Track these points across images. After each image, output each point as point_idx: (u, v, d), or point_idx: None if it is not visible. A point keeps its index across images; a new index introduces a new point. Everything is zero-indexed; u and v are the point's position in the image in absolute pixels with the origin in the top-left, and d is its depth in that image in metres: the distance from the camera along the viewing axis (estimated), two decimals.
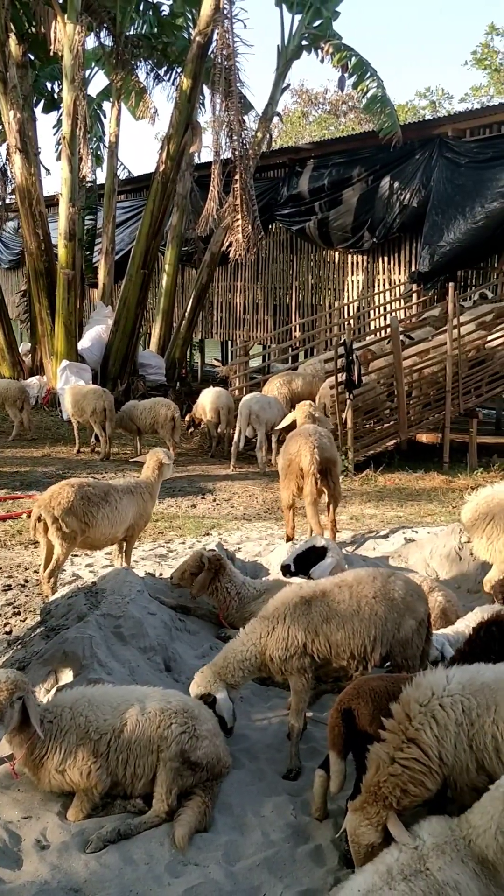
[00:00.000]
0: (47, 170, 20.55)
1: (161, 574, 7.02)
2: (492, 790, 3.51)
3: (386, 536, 8.85)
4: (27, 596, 7.76)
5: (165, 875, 3.99)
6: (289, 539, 8.25)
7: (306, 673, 5.03)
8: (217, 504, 12.69)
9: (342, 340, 14.46)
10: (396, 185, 19.22)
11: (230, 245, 18.14)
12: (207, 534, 10.79)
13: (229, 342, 27.79)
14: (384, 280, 20.58)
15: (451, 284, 15.61)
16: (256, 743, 5.21)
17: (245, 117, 18.39)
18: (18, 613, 7.19)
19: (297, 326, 21.80)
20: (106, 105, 24.64)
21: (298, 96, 45.78)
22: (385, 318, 19.37)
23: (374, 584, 5.14)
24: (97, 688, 4.74)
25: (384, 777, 3.81)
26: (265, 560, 7.37)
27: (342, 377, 14.49)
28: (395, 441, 15.13)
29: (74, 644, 5.35)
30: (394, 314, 18.20)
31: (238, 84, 17.37)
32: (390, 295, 20.06)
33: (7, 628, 6.91)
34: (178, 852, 4.14)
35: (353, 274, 21.57)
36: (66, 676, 5.24)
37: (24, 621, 7.02)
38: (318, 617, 5.00)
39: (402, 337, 16.75)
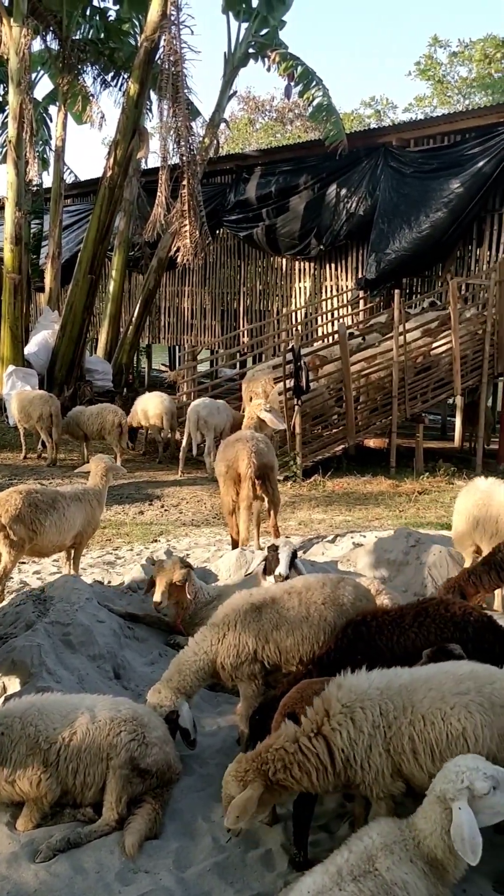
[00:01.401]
0: None
1: (109, 581, 6.99)
2: (429, 795, 3.58)
3: (334, 541, 8.93)
4: None
5: (116, 883, 3.98)
6: (235, 544, 8.26)
7: (256, 679, 5.06)
8: (165, 510, 12.68)
9: (290, 346, 14.56)
10: (343, 192, 19.40)
11: (178, 250, 18.14)
12: (155, 540, 10.77)
13: (177, 347, 27.76)
14: (331, 286, 20.76)
15: (396, 291, 15.82)
16: (206, 748, 5.22)
17: (192, 123, 18.43)
18: None
19: (245, 332, 21.88)
20: (52, 109, 24.49)
21: (245, 103, 45.97)
22: (332, 325, 19.54)
23: (324, 590, 5.19)
24: (46, 697, 4.70)
25: (277, 746, 3.86)
26: (214, 566, 7.38)
27: (290, 383, 14.58)
28: (343, 446, 15.27)
29: (23, 652, 5.31)
30: (341, 320, 18.36)
31: (185, 90, 17.39)
32: (338, 301, 20.24)
33: None
34: (128, 860, 4.13)
35: (300, 280, 21.72)
36: (15, 685, 5.20)
37: None
38: (268, 623, 5.04)
39: (358, 339, 16.94)
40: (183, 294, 25.19)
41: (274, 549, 6.21)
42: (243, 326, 22.68)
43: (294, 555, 6.22)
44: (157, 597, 5.89)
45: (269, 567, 6.18)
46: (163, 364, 30.11)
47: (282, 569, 6.04)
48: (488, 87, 35.01)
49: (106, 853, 4.14)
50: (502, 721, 3.87)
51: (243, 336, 22.05)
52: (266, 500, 8.21)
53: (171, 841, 4.32)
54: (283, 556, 6.10)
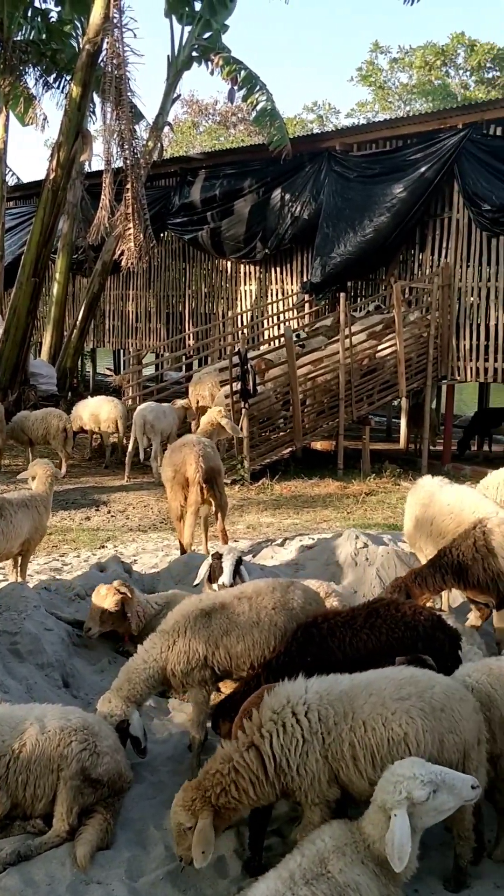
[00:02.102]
0: None
1: (57, 589, 6.90)
2: (373, 802, 3.61)
3: (283, 544, 8.95)
4: None
5: (68, 895, 3.93)
6: (183, 549, 8.23)
7: (207, 685, 5.05)
8: (112, 516, 12.59)
9: (237, 350, 14.57)
10: (287, 197, 19.47)
11: (122, 254, 18.03)
12: (102, 546, 10.68)
13: (122, 351, 27.58)
14: (277, 290, 20.82)
15: (342, 295, 15.93)
16: (157, 756, 5.19)
17: (136, 126, 18.36)
18: None
19: (191, 335, 21.83)
20: None
21: (189, 106, 45.95)
22: (278, 328, 19.60)
23: (274, 595, 5.20)
24: None
25: (214, 770, 3.88)
26: (162, 572, 7.34)
27: (237, 386, 14.59)
28: (290, 449, 15.33)
29: None
30: (287, 323, 18.44)
31: (129, 93, 17.30)
32: (283, 305, 20.31)
33: None
34: (80, 871, 4.09)
35: (245, 283, 21.74)
36: None
37: None
38: (218, 629, 5.03)
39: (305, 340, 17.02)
40: (128, 297, 25.03)
41: (218, 556, 6.21)
42: (189, 329, 22.63)
43: (239, 562, 6.21)
44: (87, 622, 5.86)
45: (213, 575, 6.18)
46: (107, 368, 29.89)
47: (225, 578, 6.04)
48: (428, 93, 35.55)
49: (57, 865, 4.09)
50: (442, 725, 3.91)
51: (189, 339, 22.00)
52: (213, 504, 8.20)
53: (123, 850, 4.29)
54: (227, 565, 6.09)
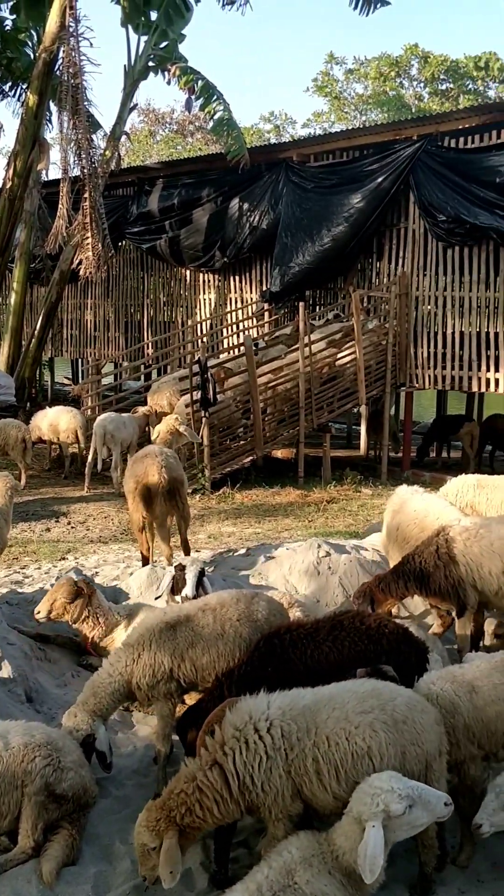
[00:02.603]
0: None
1: (18, 602, 6.84)
2: (347, 814, 3.63)
3: (245, 554, 8.96)
4: None
5: None
6: (145, 561, 8.21)
7: (173, 697, 5.04)
8: (72, 527, 12.49)
9: (197, 359, 14.57)
10: (245, 206, 19.55)
11: (80, 263, 17.95)
12: (63, 558, 10.59)
13: (80, 360, 27.43)
14: (236, 298, 20.87)
15: (301, 304, 16.02)
16: (122, 769, 5.17)
17: (93, 136, 18.28)
18: None
19: (150, 344, 21.77)
20: None
21: (146, 115, 45.93)
22: (238, 337, 19.64)
23: (238, 606, 5.22)
24: None
25: (178, 790, 3.87)
26: (124, 584, 7.31)
27: (197, 395, 14.59)
28: (251, 457, 15.35)
29: None
30: (247, 332, 18.49)
31: (85, 102, 17.25)
32: (242, 313, 20.36)
33: None
34: (46, 888, 4.06)
35: (204, 292, 21.77)
36: None
37: None
38: (183, 642, 5.03)
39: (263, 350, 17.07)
40: (86, 306, 24.92)
41: (181, 568, 6.21)
42: (148, 338, 22.58)
43: (201, 573, 6.22)
44: (38, 606, 5.84)
45: (176, 587, 6.18)
46: (66, 377, 29.71)
47: (188, 590, 6.04)
48: (383, 104, 35.95)
49: (23, 882, 4.06)
50: (405, 738, 3.95)
51: (148, 348, 21.96)
52: (176, 515, 8.19)
53: (90, 866, 4.27)
54: (190, 577, 6.10)
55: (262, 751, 3.84)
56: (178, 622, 5.09)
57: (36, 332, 21.35)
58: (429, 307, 17.18)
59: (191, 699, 5.37)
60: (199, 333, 21.01)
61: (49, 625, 6.42)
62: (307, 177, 18.47)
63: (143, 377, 20.52)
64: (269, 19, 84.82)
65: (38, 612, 5.98)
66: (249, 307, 20.26)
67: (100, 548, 11.29)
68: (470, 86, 37.32)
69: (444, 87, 37.54)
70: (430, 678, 4.58)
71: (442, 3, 79.42)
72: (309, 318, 16.50)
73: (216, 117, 19.53)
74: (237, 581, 7.49)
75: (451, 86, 37.42)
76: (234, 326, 20.29)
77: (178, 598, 6.12)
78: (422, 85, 37.92)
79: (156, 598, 6.24)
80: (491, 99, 35.74)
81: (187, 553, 8.43)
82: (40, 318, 21.38)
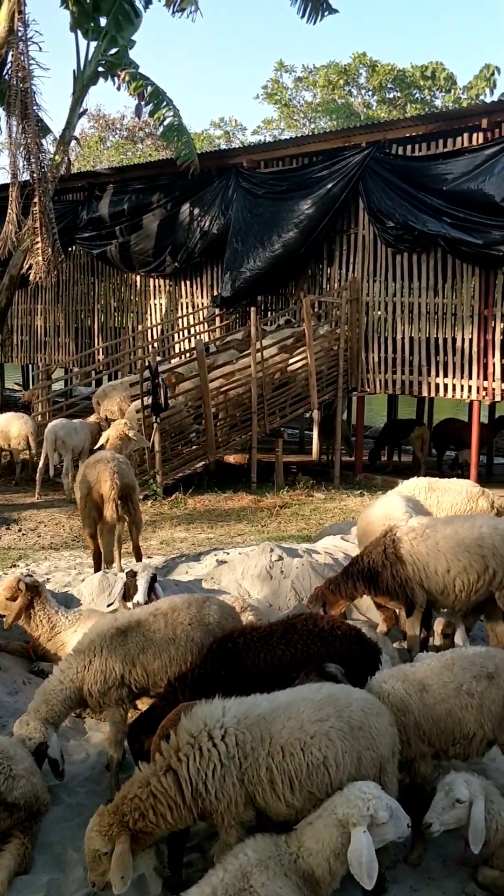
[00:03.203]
0: None
1: None
2: (324, 816, 3.65)
3: (198, 559, 8.96)
4: None
5: None
6: (97, 568, 8.16)
7: (124, 704, 5.02)
8: (23, 534, 12.37)
9: (147, 363, 14.52)
10: (196, 211, 19.56)
11: (30, 268, 17.77)
12: (14, 565, 10.47)
13: (30, 366, 27.16)
14: (187, 304, 20.86)
15: (252, 309, 16.07)
16: (75, 777, 5.14)
17: (43, 140, 18.13)
18: None
19: (101, 350, 21.66)
20: None
21: (96, 121, 45.68)
22: (189, 342, 19.62)
23: (189, 611, 5.22)
24: None
25: (131, 795, 3.87)
26: (76, 590, 7.26)
27: (148, 400, 14.54)
28: (203, 463, 15.34)
29: None
30: (198, 337, 18.48)
31: (35, 107, 17.09)
32: (194, 318, 20.36)
33: None
34: None
35: (155, 297, 21.72)
36: None
37: None
38: (134, 647, 5.02)
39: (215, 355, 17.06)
40: (36, 312, 24.68)
41: (132, 574, 6.20)
42: (98, 344, 22.46)
43: (153, 579, 6.21)
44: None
45: (128, 593, 6.17)
46: (15, 383, 29.39)
47: (140, 596, 6.04)
48: (332, 112, 36.21)
49: None
50: (361, 744, 3.97)
51: (98, 353, 21.84)
52: (128, 521, 8.16)
53: (42, 874, 4.23)
54: (142, 583, 6.10)
55: (216, 759, 3.83)
56: (129, 627, 5.08)
57: None
58: (379, 313, 17.34)
59: (143, 704, 5.35)
60: (150, 339, 20.94)
61: (1, 633, 6.35)
62: (258, 183, 18.53)
63: (94, 383, 20.39)
64: (219, 26, 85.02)
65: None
66: (201, 312, 20.27)
67: (51, 554, 11.19)
68: (417, 95, 37.80)
69: (391, 95, 37.96)
70: (381, 677, 4.63)
71: (389, 12, 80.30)
72: (260, 323, 16.55)
73: (166, 123, 19.48)
74: (190, 586, 7.48)
75: (399, 94, 37.85)
76: (186, 331, 20.27)
77: (130, 604, 6.10)
78: (370, 93, 38.30)
79: (108, 606, 6.21)
80: (437, 108, 36.25)
81: (139, 559, 8.41)
82: None
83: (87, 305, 23.39)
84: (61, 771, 4.89)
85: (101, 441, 10.07)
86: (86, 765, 5.27)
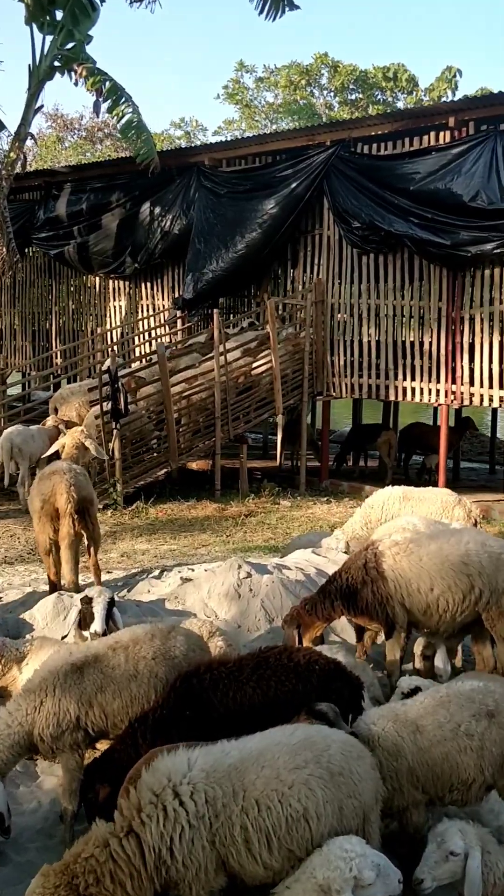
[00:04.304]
0: None
1: None
2: (302, 881, 3.20)
3: (160, 576, 8.43)
4: None
5: None
6: (52, 587, 7.60)
7: (80, 748, 4.50)
8: None
9: (106, 367, 13.95)
10: (157, 211, 19.02)
11: None
12: None
13: None
14: (147, 306, 20.30)
15: (215, 311, 15.59)
16: (24, 830, 4.60)
17: None
18: None
19: (59, 353, 20.99)
20: None
21: (54, 121, 44.89)
22: (150, 345, 19.08)
23: (153, 643, 4.71)
24: None
25: (87, 854, 3.35)
26: (28, 614, 6.69)
27: (108, 406, 13.98)
28: (165, 470, 14.82)
29: None
30: (160, 340, 17.96)
31: None
32: (154, 321, 19.80)
33: None
34: None
35: (115, 299, 21.12)
36: None
37: None
38: (91, 685, 4.50)
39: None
40: None
41: (87, 601, 5.65)
42: (56, 347, 21.81)
43: (111, 604, 5.67)
44: None
45: (84, 621, 5.63)
46: None
47: (97, 625, 5.50)
48: (294, 112, 35.86)
49: None
50: (342, 791, 3.52)
51: (56, 357, 21.20)
52: (86, 536, 7.61)
53: None
54: (99, 609, 5.56)
55: (183, 820, 3.34)
56: (86, 663, 4.56)
57: None
58: (345, 315, 16.94)
59: (102, 745, 4.84)
60: (109, 342, 20.35)
61: None
62: (220, 182, 18.05)
63: (52, 387, 19.71)
64: (179, 24, 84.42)
65: None
66: (161, 315, 19.72)
67: (4, 569, 10.62)
68: (378, 96, 37.56)
69: (353, 97, 37.66)
70: (370, 717, 4.17)
71: (350, 13, 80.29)
72: (223, 325, 16.05)
73: (125, 120, 18.88)
74: (152, 607, 6.97)
75: (361, 96, 37.57)
76: (146, 334, 19.72)
77: (86, 633, 5.57)
78: (332, 94, 37.96)
79: (63, 638, 5.66)
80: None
81: (98, 577, 7.86)
82: None
83: (45, 307, 22.73)
84: (7, 827, 4.34)
85: (55, 448, 9.50)
86: (37, 815, 4.73)
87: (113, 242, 19.70)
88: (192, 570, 8.29)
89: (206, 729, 4.28)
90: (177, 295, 19.34)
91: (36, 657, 5.51)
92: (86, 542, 7.64)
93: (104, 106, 18.98)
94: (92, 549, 7.78)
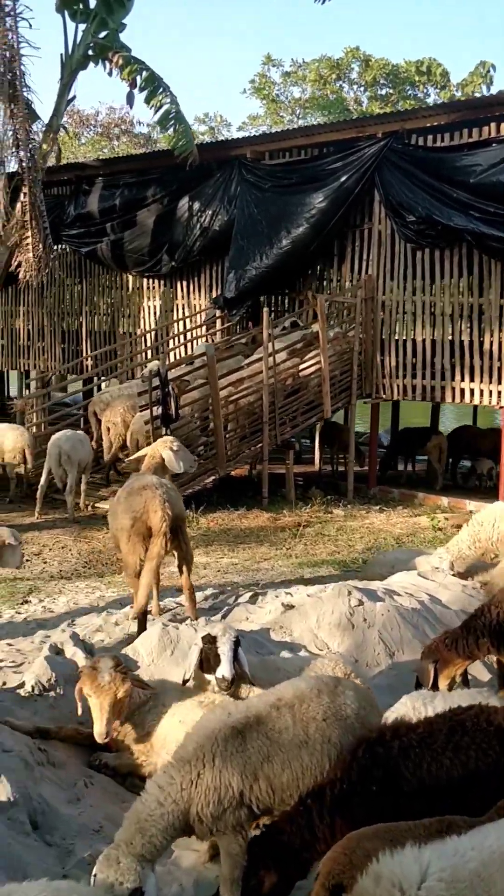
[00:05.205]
0: None
1: (5, 682, 5.42)
2: None
3: (254, 601, 7.68)
4: None
5: None
6: (143, 614, 6.87)
7: (243, 830, 3.77)
8: (27, 560, 11.00)
9: (157, 370, 13.21)
10: (196, 206, 18.28)
11: (18, 266, 16.39)
12: (26, 601, 9.22)
13: (7, 372, 25.68)
14: (183, 305, 19.55)
15: (265, 310, 14.91)
16: None
17: (32, 126, 16.76)
18: None
19: (96, 355, 20.11)
20: None
21: (70, 117, 44.17)
22: (187, 347, 18.35)
23: (321, 701, 3.97)
24: None
25: None
26: (131, 649, 5.87)
27: (157, 411, 13.26)
28: (213, 478, 14.10)
29: None
30: (204, 340, 17.23)
31: (24, 89, 15.78)
32: (191, 322, 19.04)
33: None
34: None
35: (149, 299, 20.36)
36: None
37: None
38: (256, 754, 3.76)
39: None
40: (18, 314, 23.21)
41: (210, 639, 4.89)
42: (87, 348, 21.06)
43: (237, 644, 4.92)
44: (100, 728, 4.40)
45: (206, 664, 4.89)
46: None
47: (224, 670, 4.71)
48: (324, 107, 35.03)
49: None
50: None
51: (87, 360, 20.45)
52: (178, 556, 6.90)
53: None
54: (225, 651, 4.78)
55: None
56: (247, 726, 3.83)
57: None
58: (396, 313, 16.21)
59: None
60: (145, 344, 19.61)
61: (46, 711, 5.05)
62: (264, 175, 17.31)
63: (89, 391, 18.90)
64: (204, 19, 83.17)
65: (105, 735, 4.44)
66: (198, 315, 18.96)
67: (64, 586, 9.92)
68: (410, 91, 36.74)
69: (383, 91, 36.85)
70: None
71: (381, 9, 79.15)
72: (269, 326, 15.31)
73: (162, 110, 18.16)
74: (256, 638, 6.23)
75: (391, 91, 36.77)
76: (183, 336, 18.97)
77: (209, 677, 4.85)
78: (362, 89, 37.12)
79: (184, 682, 4.91)
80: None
81: (193, 601, 7.13)
82: None
83: (75, 307, 21.98)
84: None
85: (141, 454, 8.73)
86: None
87: (149, 240, 18.96)
88: (291, 594, 7.54)
89: (394, 807, 3.58)
90: (214, 294, 18.63)
91: (157, 701, 4.81)
92: (177, 563, 6.91)
93: (141, 97, 18.26)
94: (185, 570, 7.05)
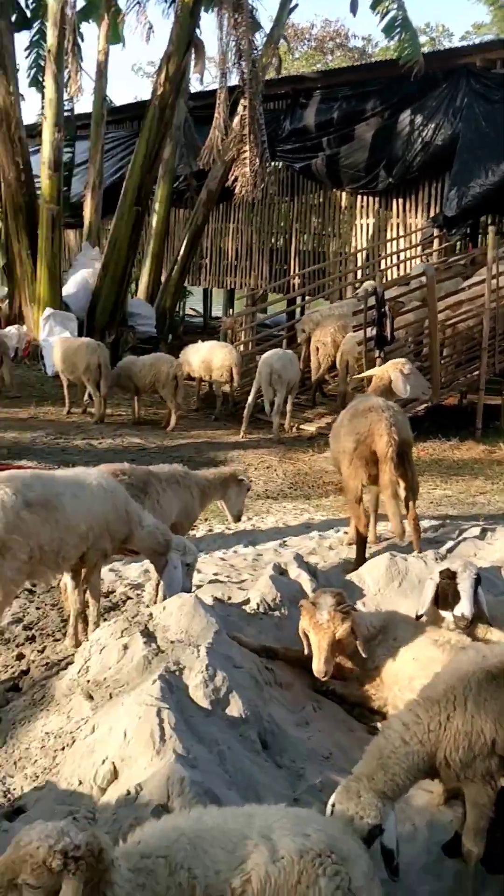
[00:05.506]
0: (21, 96, 17.91)
1: (229, 597, 5.33)
2: None
3: (482, 535, 7.24)
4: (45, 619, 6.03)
5: None
6: (362, 540, 6.61)
7: (493, 779, 3.47)
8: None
9: (374, 290, 12.72)
10: (418, 120, 17.36)
11: (235, 180, 16.19)
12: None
13: (211, 290, 25.81)
14: (398, 224, 18.77)
15: (492, 228, 14.01)
16: (408, 866, 3.64)
17: (254, 37, 16.35)
18: (43, 651, 5.43)
19: (304, 273, 19.78)
20: (84, 27, 22.09)
21: (284, 30, 43.19)
22: (400, 268, 17.65)
23: None
24: (198, 817, 3.10)
25: None
26: (356, 576, 5.63)
27: (372, 332, 12.83)
28: (426, 405, 13.56)
29: (142, 721, 3.71)
30: (423, 260, 16.48)
31: None
32: (405, 242, 18.27)
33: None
34: None
35: (362, 217, 19.70)
36: (136, 771, 3.58)
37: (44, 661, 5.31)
38: None
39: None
40: (227, 232, 23.17)
41: (450, 575, 4.58)
42: (294, 267, 20.74)
43: (478, 582, 4.59)
44: (318, 666, 4.23)
45: (443, 600, 4.59)
46: (192, 309, 27.72)
47: (464, 608, 4.44)
48: None
49: None
50: None
51: (294, 279, 20.15)
52: (403, 484, 6.55)
53: None
54: (466, 588, 4.48)
55: None
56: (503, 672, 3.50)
57: (179, 258, 19.84)
58: None
59: None
60: (356, 264, 19.04)
61: (271, 630, 4.92)
62: (495, 86, 16.13)
63: (299, 311, 18.64)
64: None
65: (325, 673, 4.27)
66: (414, 234, 18.16)
67: (272, 505, 9.84)
68: None
69: None
70: None
71: None
72: (487, 246, 14.34)
73: (389, 16, 17.31)
74: (488, 576, 5.80)
75: None
76: (396, 256, 18.25)
77: (446, 614, 4.53)
78: None
79: (417, 617, 4.63)
80: None
81: (418, 533, 6.79)
82: (184, 243, 19.81)
83: (284, 225, 21.65)
84: (396, 865, 3.40)
85: (370, 373, 8.38)
86: (417, 845, 3.77)
87: (366, 155, 18.27)
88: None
89: None
90: (432, 212, 17.74)
91: (384, 634, 4.56)
92: (402, 491, 6.58)
93: (365, 3, 17.42)
94: (410, 502, 6.71)
